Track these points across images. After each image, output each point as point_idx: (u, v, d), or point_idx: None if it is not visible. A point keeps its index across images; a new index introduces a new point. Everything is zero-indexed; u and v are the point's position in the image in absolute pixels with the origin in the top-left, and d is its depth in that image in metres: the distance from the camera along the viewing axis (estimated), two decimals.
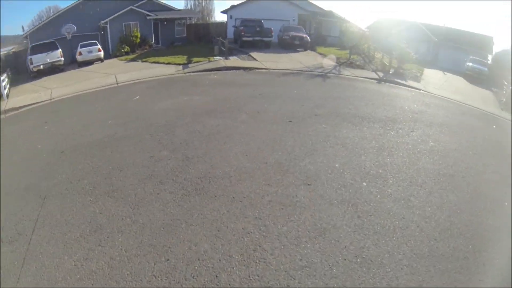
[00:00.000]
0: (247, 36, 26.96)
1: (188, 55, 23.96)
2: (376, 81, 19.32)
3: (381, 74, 21.02)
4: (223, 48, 24.37)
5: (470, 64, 32.98)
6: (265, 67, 20.03)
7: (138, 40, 32.24)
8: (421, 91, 18.77)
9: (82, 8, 32.91)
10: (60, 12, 33.06)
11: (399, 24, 44.81)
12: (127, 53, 30.02)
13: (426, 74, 25.98)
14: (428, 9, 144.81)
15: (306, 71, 19.94)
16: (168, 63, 21.49)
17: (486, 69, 32.72)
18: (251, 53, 24.19)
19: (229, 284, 4.38)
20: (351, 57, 24.47)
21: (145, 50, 31.76)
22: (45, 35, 29.64)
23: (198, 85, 16.10)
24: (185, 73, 18.97)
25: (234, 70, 19.37)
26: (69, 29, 28.70)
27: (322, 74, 19.46)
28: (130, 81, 17.83)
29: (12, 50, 39.10)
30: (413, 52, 22.79)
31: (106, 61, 26.82)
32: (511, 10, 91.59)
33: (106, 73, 20.53)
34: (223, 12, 44.45)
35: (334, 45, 33.70)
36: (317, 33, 38.74)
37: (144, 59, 24.22)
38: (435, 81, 24.26)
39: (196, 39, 37.27)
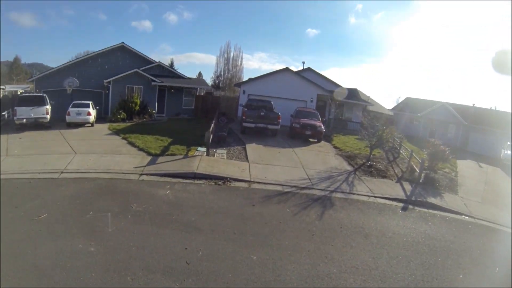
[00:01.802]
0: (249, 122, 23.05)
1: (174, 138, 20.51)
2: (401, 204, 14.43)
3: (408, 187, 16.48)
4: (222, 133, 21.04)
5: (509, 152, 29.92)
6: (247, 179, 14.78)
7: (137, 107, 29.69)
8: (464, 217, 14.27)
9: (91, 63, 31.87)
10: (69, 63, 31.79)
11: (426, 105, 42.24)
12: (123, 120, 27.69)
13: (461, 173, 21.87)
14: (456, 88, 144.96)
15: (304, 188, 14.60)
16: (141, 149, 17.73)
17: None
18: (247, 145, 20.16)
19: None
20: (372, 154, 20.44)
21: (144, 119, 29.11)
22: (54, 83, 29.40)
23: (121, 214, 10.21)
24: (142, 173, 14.29)
25: (200, 182, 13.95)
26: (71, 83, 27.71)
27: (325, 196, 14.04)
28: (78, 171, 13.92)
29: (20, 91, 38.19)
30: (447, 149, 19.29)
31: (96, 126, 24.81)
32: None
33: (68, 149, 17.20)
34: (236, 85, 42.27)
35: (355, 132, 29.66)
36: (336, 118, 35.90)
37: (127, 135, 20.86)
38: (475, 185, 19.98)
39: (203, 113, 34.08)
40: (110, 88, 30.61)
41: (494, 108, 52.49)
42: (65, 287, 6.61)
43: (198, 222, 10.10)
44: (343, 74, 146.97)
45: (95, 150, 17.15)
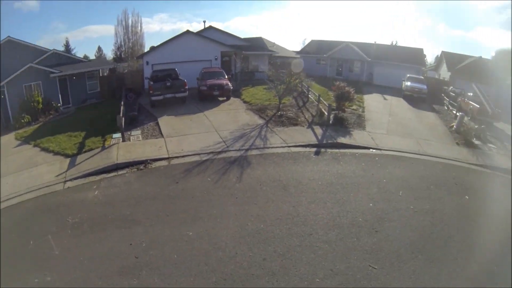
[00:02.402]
0: (156, 95, 22.54)
1: (87, 130, 19.24)
2: (314, 149, 15.53)
3: (319, 131, 17.63)
4: (133, 113, 20.27)
5: (409, 83, 31.87)
6: (165, 156, 14.78)
7: (40, 105, 27.20)
8: (372, 150, 16.02)
9: None
10: None
11: (331, 46, 44.03)
12: (28, 123, 25.02)
13: (368, 108, 23.83)
14: (358, 28, 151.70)
15: (220, 152, 14.98)
16: (58, 153, 16.36)
17: (425, 87, 31.89)
18: (160, 119, 19.81)
19: None
20: (282, 103, 21.20)
21: (50, 117, 26.90)
22: None
23: (60, 231, 9.70)
24: (65, 180, 13.12)
25: (124, 172, 13.66)
26: None
27: (241, 156, 14.62)
28: None
29: None
30: (352, 90, 20.81)
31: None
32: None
33: None
34: (138, 57, 40.49)
35: (263, 82, 29.69)
36: (243, 70, 36.17)
37: (38, 140, 18.77)
38: (380, 118, 22.02)
39: (110, 93, 32.41)
40: (5, 92, 27.48)
41: (394, 43, 56.27)
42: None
43: (133, 214, 10.28)
44: (247, 23, 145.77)
45: (8, 170, 15.35)
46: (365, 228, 9.69)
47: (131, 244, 8.70)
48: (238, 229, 9.30)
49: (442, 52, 48.49)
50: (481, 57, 42.42)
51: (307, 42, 54.00)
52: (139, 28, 62.92)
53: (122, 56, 60.55)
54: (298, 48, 57.39)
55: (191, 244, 8.64)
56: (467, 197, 12.76)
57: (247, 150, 15.03)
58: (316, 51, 45.62)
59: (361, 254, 8.60)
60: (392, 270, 8.21)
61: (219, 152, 14.89)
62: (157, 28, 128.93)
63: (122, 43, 62.26)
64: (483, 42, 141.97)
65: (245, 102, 23.66)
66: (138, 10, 65.34)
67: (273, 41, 50.07)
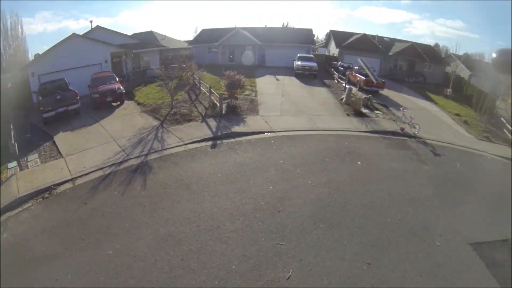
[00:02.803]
0: (48, 111, 20.59)
1: None
2: (210, 143, 15.78)
3: (213, 124, 17.96)
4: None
5: (299, 63, 33.68)
6: (68, 178, 13.62)
7: None
8: (266, 134, 16.78)
9: None
10: None
11: (222, 33, 44.40)
12: None
13: (261, 91, 24.81)
14: (250, 14, 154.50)
15: (122, 162, 14.34)
16: None
17: (315, 64, 33.89)
18: (56, 137, 18.13)
19: None
20: (175, 99, 20.96)
21: None
22: None
23: None
24: None
25: (29, 205, 12.20)
26: None
27: (142, 162, 14.22)
28: None
29: None
30: (242, 77, 21.38)
31: None
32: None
33: None
34: (22, 69, 36.80)
35: (156, 79, 29.81)
36: (134, 70, 35.13)
37: None
38: (273, 100, 23.03)
39: None
40: None
41: (285, 25, 58.70)
42: None
43: (50, 247, 9.62)
44: (138, 16, 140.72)
45: None
46: (268, 210, 10.50)
47: (56, 279, 8.30)
48: (152, 236, 9.48)
49: (330, 30, 53.39)
50: (365, 34, 47.42)
51: (199, 31, 53.58)
52: (19, 30, 56.99)
53: (3, 66, 54.74)
54: (191, 37, 57.07)
55: (113, 262, 8.63)
56: (360, 163, 14.59)
57: (146, 155, 14.88)
58: (208, 39, 45.75)
59: (268, 235, 9.40)
60: (299, 242, 9.19)
61: (121, 163, 14.45)
62: (41, 29, 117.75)
63: (2, 51, 56.23)
64: (368, 19, 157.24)
65: (139, 104, 23.05)
66: (17, 9, 58.54)
67: (164, 34, 49.14)
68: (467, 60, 56.32)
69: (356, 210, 11.07)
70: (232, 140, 16.04)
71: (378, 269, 8.71)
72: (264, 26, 47.36)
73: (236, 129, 17.18)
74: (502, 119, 29.17)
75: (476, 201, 13.96)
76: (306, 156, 14.65)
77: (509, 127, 26.60)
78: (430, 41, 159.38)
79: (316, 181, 12.45)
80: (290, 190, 11.73)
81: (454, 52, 67.82)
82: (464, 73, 51.47)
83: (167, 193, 11.69)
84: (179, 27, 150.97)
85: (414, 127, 20.05)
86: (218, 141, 15.90)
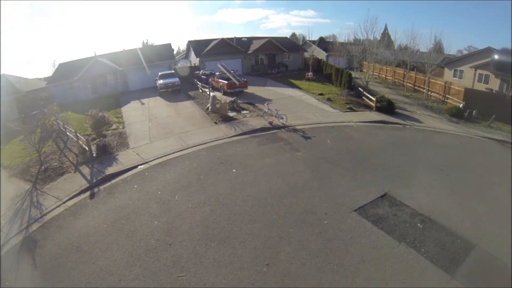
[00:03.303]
0: None
1: None
2: (88, 193, 14.97)
3: (87, 171, 17.01)
4: None
5: (161, 81, 33.86)
6: None
7: None
8: (140, 167, 16.73)
9: None
10: None
11: (81, 65, 41.29)
12: None
13: (128, 121, 24.45)
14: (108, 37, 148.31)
15: (4, 245, 12.40)
16: None
17: (177, 79, 34.40)
18: None
19: None
20: (42, 151, 19.06)
21: None
22: None
23: None
24: None
25: None
26: None
27: (26, 238, 12.61)
28: None
29: None
30: (106, 114, 20.93)
31: None
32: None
33: None
34: None
35: (19, 132, 26.89)
36: None
37: None
38: (141, 127, 22.86)
39: None
40: None
41: (146, 42, 58.02)
42: None
43: None
44: None
45: None
46: (160, 247, 10.73)
47: None
48: None
49: (189, 41, 53.95)
50: (223, 38, 48.64)
51: (57, 64, 49.88)
52: None
53: None
54: (51, 73, 53.41)
55: None
56: (234, 170, 15.66)
57: (27, 228, 13.15)
58: (67, 74, 42.63)
59: (167, 271, 9.71)
60: (197, 268, 9.69)
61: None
62: None
63: None
64: (227, 21, 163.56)
65: (5, 167, 20.94)
66: None
67: (18, 76, 45.04)
68: (322, 43, 62.39)
69: (241, 218, 11.94)
70: (109, 183, 15.64)
71: (277, 266, 9.58)
72: (122, 49, 46.46)
73: (110, 170, 16.74)
74: (360, 88, 32.58)
75: (347, 171, 16.11)
76: (181, 179, 15.17)
77: (367, 95, 29.88)
78: (287, 32, 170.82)
79: (197, 202, 13.12)
80: (174, 219, 12.12)
81: (309, 39, 74.72)
82: (321, 55, 56.49)
83: (61, 263, 10.92)
84: (35, 62, 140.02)
85: (282, 118, 21.59)
86: (96, 189, 15.32)
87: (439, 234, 11.99)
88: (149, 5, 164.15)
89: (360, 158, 17.91)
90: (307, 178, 15.17)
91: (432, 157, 19.85)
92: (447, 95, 36.25)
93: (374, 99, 28.82)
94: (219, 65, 34.33)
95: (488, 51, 47.69)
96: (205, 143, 18.95)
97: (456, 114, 30.95)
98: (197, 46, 49.54)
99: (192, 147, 18.63)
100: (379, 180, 15.63)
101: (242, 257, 9.98)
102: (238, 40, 51.71)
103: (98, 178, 16.14)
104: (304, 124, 22.30)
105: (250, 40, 53.89)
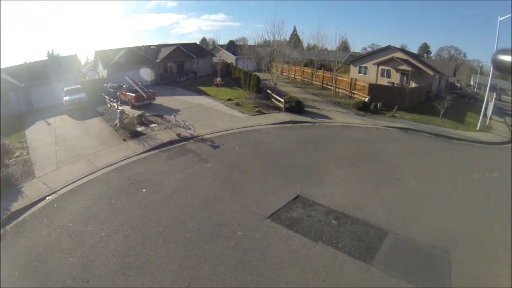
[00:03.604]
0: None
1: None
2: None
3: None
4: None
5: (67, 97, 32.00)
6: None
7: None
8: (48, 198, 15.23)
9: None
10: None
11: None
12: None
13: (33, 145, 22.50)
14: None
15: None
16: None
17: (84, 94, 32.64)
18: None
19: None
20: None
21: None
22: None
23: None
24: None
25: None
26: None
27: None
28: None
29: None
30: (5, 140, 19.13)
31: None
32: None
33: None
34: None
35: None
36: None
37: None
38: (48, 152, 21.07)
39: None
40: None
41: (51, 53, 55.35)
42: None
43: None
44: None
45: None
46: (77, 286, 9.99)
47: None
48: None
49: (96, 52, 50.71)
50: (130, 47, 47.31)
51: None
52: None
53: None
54: None
55: None
56: (144, 190, 15.35)
57: None
58: None
59: None
60: None
61: None
62: None
63: None
64: (139, 28, 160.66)
65: None
66: None
67: None
68: (231, 46, 62.96)
69: (156, 241, 11.72)
70: (15, 222, 13.88)
71: (198, 285, 9.65)
72: (24, 62, 41.71)
73: (16, 206, 14.85)
74: (268, 90, 33.42)
75: (258, 177, 16.61)
76: (92, 206, 14.35)
77: (276, 96, 30.74)
78: (198, 36, 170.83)
79: (110, 230, 12.49)
80: (89, 252, 11.40)
81: (219, 43, 75.30)
82: (231, 59, 57.02)
83: None
84: None
85: (189, 128, 21.68)
86: (2, 230, 13.48)
87: (354, 227, 12.78)
88: (55, 10, 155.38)
89: (270, 162, 18.49)
90: (218, 190, 15.29)
91: (342, 151, 21.00)
92: (353, 91, 38.74)
93: (282, 100, 29.84)
94: (126, 77, 33.55)
95: (389, 48, 51.80)
96: (115, 163, 18.32)
97: (363, 108, 33.36)
98: (105, 57, 46.85)
99: (102, 169, 17.84)
100: (291, 182, 16.23)
101: (162, 282, 9.83)
102: (147, 48, 50.74)
103: (3, 218, 14.20)
104: (213, 133, 22.53)
105: (159, 48, 53.17)
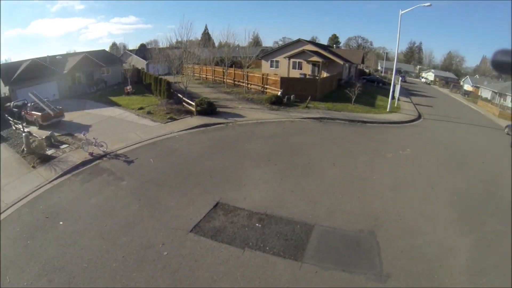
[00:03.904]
0: None
1: None
2: None
3: None
4: None
5: None
6: None
7: None
8: None
9: None
10: None
11: None
12: None
13: None
14: None
15: None
16: None
17: None
18: None
19: None
20: None
21: None
22: None
23: None
24: None
25: None
26: None
27: None
28: None
29: None
30: None
31: None
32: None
33: None
34: None
35: None
36: None
37: None
38: None
39: None
40: None
41: None
42: None
43: None
44: None
45: None
46: None
47: None
48: None
49: None
50: (33, 59, 42.69)
51: None
52: None
53: None
54: None
55: None
56: (61, 222, 13.99)
57: None
58: None
59: None
60: None
61: None
62: None
63: None
64: (43, 34, 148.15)
65: None
66: None
67: None
68: (142, 51, 60.88)
69: (82, 280, 10.68)
70: None
71: None
72: None
73: None
74: (179, 94, 33.53)
75: (175, 189, 16.51)
76: (7, 252, 12.55)
77: (187, 100, 30.94)
78: (108, 41, 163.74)
79: (31, 277, 11.01)
80: None
81: (130, 48, 72.30)
82: (142, 64, 55.72)
83: None
84: None
85: (102, 146, 21.11)
86: None
87: (279, 227, 13.20)
88: None
89: (186, 171, 18.52)
90: (136, 209, 14.65)
91: (258, 150, 21.62)
92: (265, 86, 40.15)
93: (193, 103, 30.09)
94: (30, 94, 30.99)
95: (299, 42, 54.19)
96: (26, 196, 16.56)
97: (276, 102, 34.79)
98: (5, 72, 40.97)
99: (12, 205, 15.87)
100: (209, 189, 16.33)
101: None
102: (53, 59, 46.93)
103: None
104: (126, 147, 22.14)
105: (66, 57, 50.03)
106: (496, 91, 79.07)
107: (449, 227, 14.67)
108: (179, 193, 16.03)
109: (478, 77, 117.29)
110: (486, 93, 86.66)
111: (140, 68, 51.83)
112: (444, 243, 13.39)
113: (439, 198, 17.24)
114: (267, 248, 11.86)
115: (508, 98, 68.16)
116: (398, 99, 45.42)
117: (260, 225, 13.24)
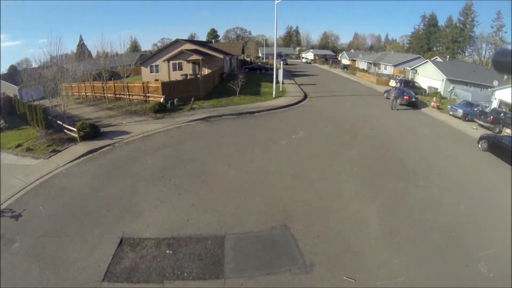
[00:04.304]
0: None
1: None
2: None
3: None
4: None
5: None
6: None
7: None
8: None
9: None
10: None
11: None
12: None
13: None
14: None
15: None
16: None
17: None
18: None
19: None
20: None
21: None
22: None
23: None
24: None
25: None
26: None
27: None
28: None
29: None
30: None
31: None
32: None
33: None
34: None
35: None
36: None
37: None
38: None
39: None
40: None
41: None
42: None
43: None
44: None
45: None
46: None
47: None
48: None
49: None
50: None
51: None
52: None
53: None
54: None
55: None
56: None
57: None
58: None
59: None
60: None
61: None
62: None
63: None
64: None
65: None
66: None
67: None
68: (12, 74, 53.00)
69: None
70: None
71: None
72: None
73: None
74: (59, 121, 30.87)
75: (74, 237, 14.76)
76: None
77: (67, 126, 28.90)
78: None
79: None
80: None
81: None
82: (13, 90, 49.95)
83: None
84: None
85: None
86: None
87: (190, 248, 12.75)
88: None
89: (81, 210, 16.74)
90: (38, 275, 12.36)
91: (149, 167, 20.91)
92: (147, 94, 39.54)
93: (75, 129, 28.36)
94: None
95: (177, 42, 54.21)
96: None
97: (160, 110, 34.54)
98: None
99: None
100: (109, 226, 14.96)
101: None
102: None
103: None
104: (10, 197, 19.50)
105: None
106: (371, 61, 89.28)
107: (355, 199, 16.03)
108: (80, 240, 14.18)
109: (353, 51, 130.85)
110: (362, 64, 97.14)
111: (12, 95, 46.32)
112: (355, 216, 14.58)
113: (340, 174, 18.65)
114: (185, 274, 11.42)
115: (382, 66, 77.25)
116: (283, 83, 47.68)
117: (171, 251, 12.64)
